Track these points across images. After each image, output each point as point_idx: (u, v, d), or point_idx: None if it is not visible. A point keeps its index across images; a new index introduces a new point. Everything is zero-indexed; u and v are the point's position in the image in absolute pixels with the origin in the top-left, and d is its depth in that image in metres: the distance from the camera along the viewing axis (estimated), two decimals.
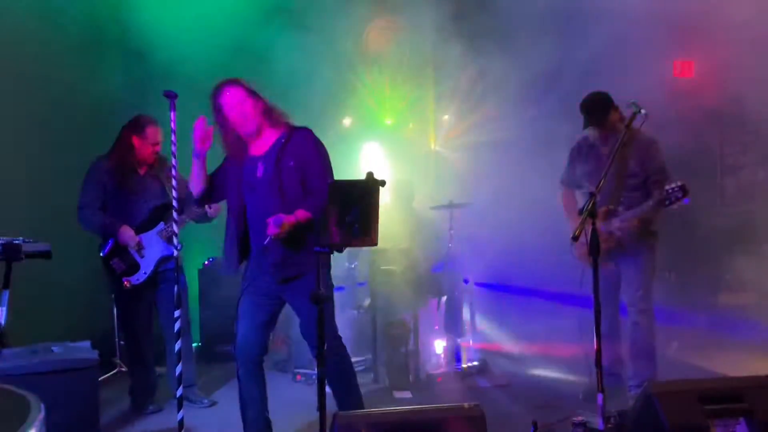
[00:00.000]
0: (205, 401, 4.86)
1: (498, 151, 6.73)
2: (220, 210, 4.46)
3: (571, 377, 5.21)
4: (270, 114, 3.59)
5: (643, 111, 3.81)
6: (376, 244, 2.98)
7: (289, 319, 5.25)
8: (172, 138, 3.62)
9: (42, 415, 1.99)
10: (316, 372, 3.22)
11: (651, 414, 2.99)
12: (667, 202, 4.16)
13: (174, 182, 3.67)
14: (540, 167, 5.86)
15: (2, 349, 3.63)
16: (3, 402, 2.20)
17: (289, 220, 3.36)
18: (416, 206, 6.43)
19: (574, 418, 3.79)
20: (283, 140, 3.57)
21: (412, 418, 2.84)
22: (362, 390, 3.77)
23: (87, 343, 3.86)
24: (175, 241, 3.82)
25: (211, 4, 6.20)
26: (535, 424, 3.50)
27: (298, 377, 5.43)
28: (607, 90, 4.51)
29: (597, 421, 3.51)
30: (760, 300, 6.51)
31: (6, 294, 3.75)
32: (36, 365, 3.44)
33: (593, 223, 3.53)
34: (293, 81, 6.04)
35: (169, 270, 4.57)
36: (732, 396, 3.04)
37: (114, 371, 5.68)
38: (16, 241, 3.75)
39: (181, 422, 3.55)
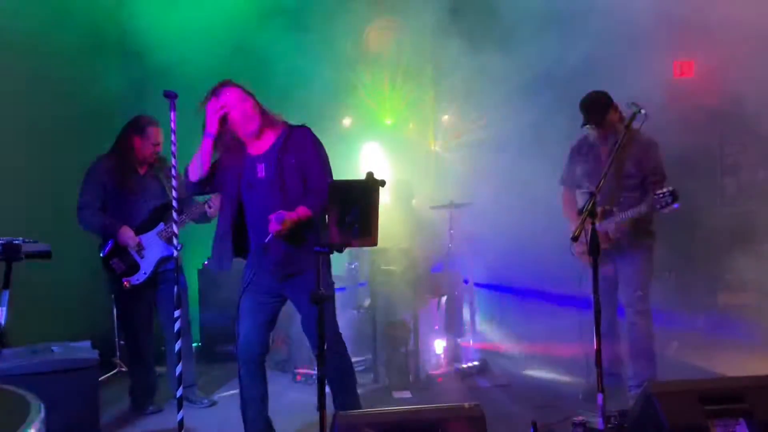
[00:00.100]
0: (205, 401, 4.86)
1: (498, 151, 6.73)
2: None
3: (571, 377, 5.21)
4: (266, 114, 3.61)
5: (643, 111, 3.81)
6: (376, 244, 2.98)
7: (289, 319, 5.26)
8: (172, 138, 3.62)
9: (42, 415, 1.99)
10: (316, 372, 3.21)
11: (651, 414, 3.00)
12: (657, 207, 4.17)
13: (174, 182, 3.67)
14: (540, 167, 5.86)
15: (2, 349, 3.63)
16: (3, 402, 2.20)
17: (290, 216, 3.39)
18: (416, 206, 6.43)
19: (574, 418, 3.79)
20: (282, 139, 3.58)
21: (412, 418, 2.84)
22: (362, 390, 3.78)
23: (87, 343, 3.86)
24: (174, 241, 3.82)
25: (211, 5, 6.20)
26: (534, 425, 3.49)
27: (298, 377, 5.43)
28: (607, 90, 4.51)
29: (597, 421, 3.51)
30: (760, 300, 6.50)
31: (6, 294, 3.74)
32: (36, 365, 3.45)
33: (593, 223, 3.54)
34: (293, 81, 6.05)
35: (168, 270, 4.57)
36: (732, 396, 3.04)
37: (114, 371, 5.69)
38: (16, 241, 3.74)
39: (181, 422, 3.55)
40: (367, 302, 5.79)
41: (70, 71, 5.73)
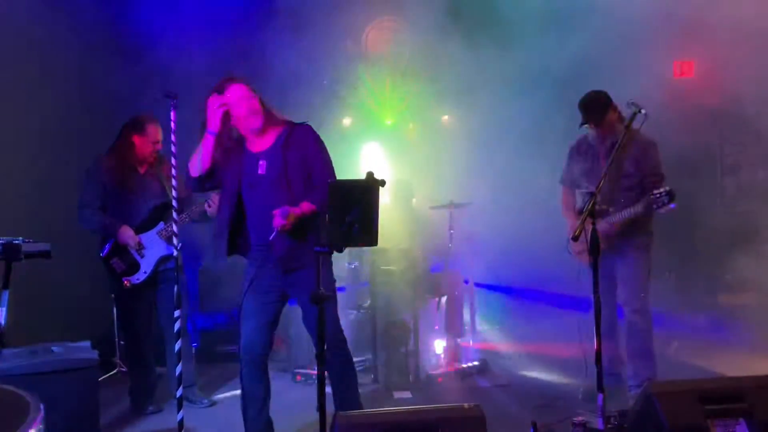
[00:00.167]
0: (205, 401, 4.86)
1: (498, 152, 6.73)
2: None
3: (570, 377, 5.21)
4: (270, 112, 3.62)
5: (643, 111, 3.81)
6: (376, 244, 2.99)
7: (290, 319, 5.27)
8: (172, 138, 3.62)
9: (42, 415, 1.99)
10: (316, 372, 3.22)
11: (651, 414, 2.99)
12: (654, 207, 4.17)
13: (174, 182, 3.67)
14: (541, 167, 5.86)
15: (2, 349, 3.63)
16: (3, 402, 2.19)
17: (294, 211, 3.40)
18: (416, 206, 6.43)
19: (574, 418, 3.79)
20: (285, 136, 3.58)
21: (412, 419, 2.84)
22: (362, 390, 3.78)
23: (87, 343, 3.86)
24: (174, 240, 3.82)
25: (210, 5, 6.21)
26: (534, 425, 3.50)
27: (298, 377, 5.43)
28: (607, 89, 4.51)
29: (597, 421, 3.51)
30: (760, 300, 6.50)
31: (6, 294, 3.75)
32: (36, 365, 3.44)
33: (593, 223, 3.54)
34: (293, 81, 6.04)
35: (169, 270, 4.57)
36: (732, 396, 3.04)
37: (114, 371, 5.68)
38: (16, 241, 3.75)
39: (181, 422, 3.55)
40: (367, 302, 5.79)
41: (70, 71, 5.74)
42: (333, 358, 3.67)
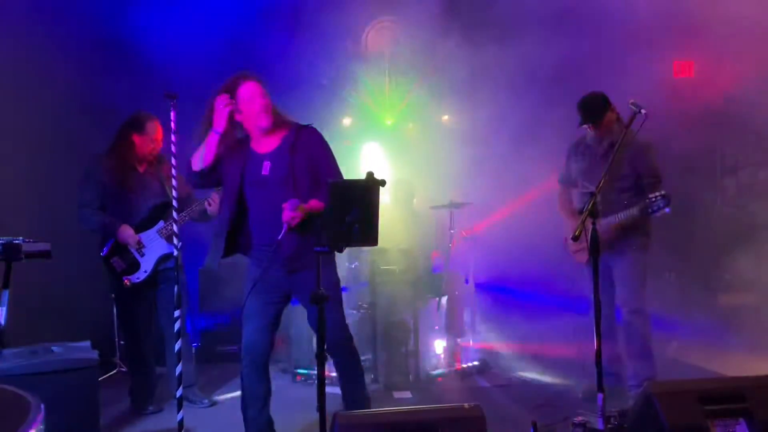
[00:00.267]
0: (205, 401, 4.86)
1: (499, 151, 6.73)
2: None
3: (571, 377, 5.21)
4: (278, 113, 3.63)
5: (643, 111, 3.81)
6: (376, 244, 2.99)
7: (290, 319, 5.27)
8: (172, 138, 3.62)
9: (42, 415, 1.99)
10: (316, 372, 3.22)
11: (651, 414, 2.99)
12: (649, 210, 4.18)
13: (174, 181, 3.67)
14: (541, 167, 5.86)
15: (2, 349, 3.63)
16: (3, 402, 2.19)
17: (304, 205, 3.41)
18: (416, 206, 6.43)
19: (574, 418, 3.79)
20: (292, 138, 3.59)
21: (412, 419, 2.84)
22: None
23: (87, 343, 3.86)
24: (175, 240, 3.82)
25: (211, 5, 6.21)
26: (535, 425, 3.50)
27: (298, 377, 5.43)
28: (608, 89, 4.53)
29: (597, 421, 3.51)
30: (760, 300, 6.51)
31: (6, 294, 3.75)
32: (36, 365, 3.44)
33: (594, 223, 3.54)
34: (293, 81, 6.04)
35: (169, 269, 4.56)
36: (732, 396, 3.04)
37: (114, 371, 5.69)
38: (16, 241, 3.75)
39: (181, 422, 3.55)
40: (367, 302, 5.79)
41: (70, 71, 5.73)
42: (341, 358, 3.70)
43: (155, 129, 4.62)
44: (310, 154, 3.57)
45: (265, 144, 3.63)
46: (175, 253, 3.79)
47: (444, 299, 5.94)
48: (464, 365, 5.61)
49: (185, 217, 4.57)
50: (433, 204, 6.24)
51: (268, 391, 3.68)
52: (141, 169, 4.69)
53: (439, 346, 5.78)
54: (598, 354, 3.49)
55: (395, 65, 7.25)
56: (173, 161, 3.66)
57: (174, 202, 3.71)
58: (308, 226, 3.45)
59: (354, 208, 2.87)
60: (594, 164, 4.54)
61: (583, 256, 4.60)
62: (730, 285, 7.02)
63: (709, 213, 7.08)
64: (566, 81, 6.20)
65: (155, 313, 4.80)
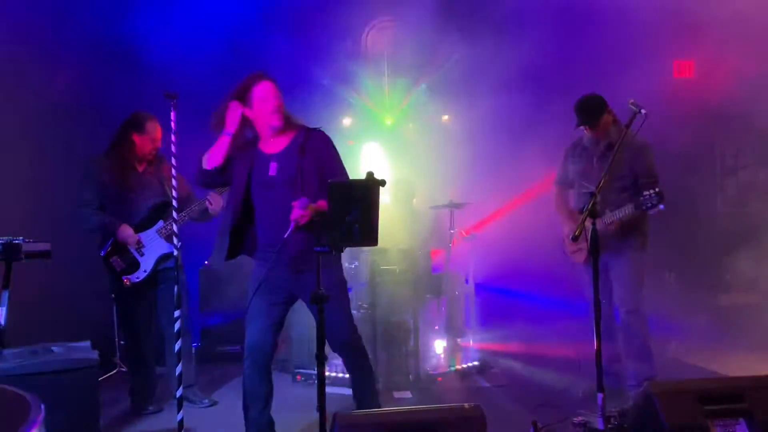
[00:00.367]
0: (205, 401, 4.86)
1: (499, 151, 6.73)
2: (221, 205, 4.47)
3: (571, 377, 5.20)
4: (288, 115, 3.65)
5: (642, 111, 3.82)
6: (376, 244, 2.99)
7: (290, 320, 5.25)
8: (172, 138, 3.62)
9: (42, 415, 1.99)
10: (316, 372, 3.22)
11: (651, 414, 3.00)
12: (644, 207, 4.19)
13: (173, 181, 3.67)
14: (541, 168, 5.86)
15: (2, 349, 3.63)
16: (3, 402, 2.19)
17: (313, 205, 3.42)
18: (416, 206, 6.43)
19: (574, 418, 3.79)
20: (300, 140, 3.61)
21: (412, 418, 2.84)
22: None
23: (87, 343, 3.86)
24: (175, 240, 3.82)
25: (210, 5, 6.21)
26: (535, 424, 3.50)
27: (298, 377, 5.43)
28: (607, 89, 4.54)
29: (597, 421, 3.52)
30: (760, 300, 6.51)
31: (6, 294, 3.75)
32: (36, 365, 3.44)
33: (594, 223, 3.55)
34: (293, 81, 6.04)
35: (169, 269, 4.56)
36: (732, 396, 3.04)
37: (114, 371, 5.69)
38: (16, 241, 3.76)
39: (181, 422, 3.55)
40: (367, 302, 5.79)
41: (69, 71, 5.73)
42: (349, 358, 3.71)
43: (155, 129, 4.62)
44: (318, 156, 3.59)
45: (273, 145, 3.64)
46: (175, 252, 3.79)
47: (444, 299, 5.94)
48: (464, 365, 5.61)
49: (185, 216, 4.58)
50: (433, 204, 6.24)
51: (269, 392, 3.67)
52: (140, 169, 4.69)
53: (439, 346, 5.78)
54: (598, 354, 3.49)
55: (395, 65, 7.25)
56: (173, 161, 3.66)
57: (174, 202, 3.71)
58: (315, 226, 3.46)
59: (354, 208, 2.87)
60: (590, 166, 4.58)
61: (581, 256, 4.62)
62: (731, 285, 7.03)
63: (709, 213, 7.08)
64: (566, 81, 6.21)
65: (155, 313, 4.80)
